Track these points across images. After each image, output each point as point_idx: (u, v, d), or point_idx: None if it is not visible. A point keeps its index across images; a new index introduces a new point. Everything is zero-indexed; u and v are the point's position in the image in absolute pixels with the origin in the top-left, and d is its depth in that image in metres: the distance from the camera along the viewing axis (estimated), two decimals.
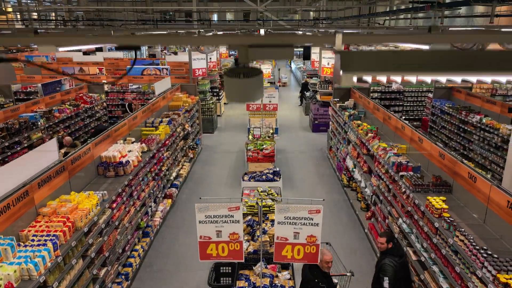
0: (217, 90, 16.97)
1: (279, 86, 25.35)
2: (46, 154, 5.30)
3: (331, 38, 1.35)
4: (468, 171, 5.12)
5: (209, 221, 3.97)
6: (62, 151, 8.67)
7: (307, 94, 17.34)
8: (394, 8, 13.47)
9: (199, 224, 3.97)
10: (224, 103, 19.47)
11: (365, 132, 8.32)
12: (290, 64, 33.99)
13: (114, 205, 5.82)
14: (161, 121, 9.16)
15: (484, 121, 9.02)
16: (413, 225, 5.52)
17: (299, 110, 18.49)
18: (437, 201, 5.04)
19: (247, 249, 5.51)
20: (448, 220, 4.61)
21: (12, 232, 4.38)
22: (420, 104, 14.34)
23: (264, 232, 5.66)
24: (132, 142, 7.76)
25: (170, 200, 8.69)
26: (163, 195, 8.54)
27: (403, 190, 5.94)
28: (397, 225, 6.10)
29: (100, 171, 6.56)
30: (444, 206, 4.92)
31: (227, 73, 1.48)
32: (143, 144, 7.73)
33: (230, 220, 3.98)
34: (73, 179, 5.73)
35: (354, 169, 9.01)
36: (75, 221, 4.77)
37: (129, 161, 6.68)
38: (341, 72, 1.30)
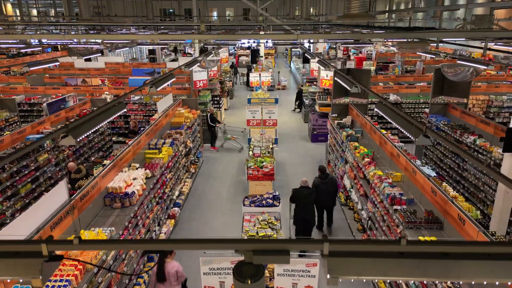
0: (218, 98, 17.17)
1: (279, 89, 25.53)
2: (57, 195, 5.56)
3: (319, 246, 1.60)
4: (457, 213, 5.39)
5: (213, 272, 4.26)
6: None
7: (306, 102, 17.52)
8: (392, 25, 13.63)
9: (204, 275, 4.26)
10: (225, 109, 19.69)
11: (362, 156, 8.59)
12: (290, 64, 34.06)
13: (121, 238, 6.11)
14: (164, 143, 9.41)
15: (477, 142, 9.27)
16: None
17: (298, 117, 18.71)
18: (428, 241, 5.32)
19: None
20: None
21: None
22: (417, 116, 14.59)
23: (264, 267, 5.95)
24: (137, 168, 8.04)
25: (173, 221, 8.98)
26: (166, 216, 8.83)
27: (397, 223, 6.23)
28: None
29: (107, 202, 6.84)
30: None
31: (235, 276, 1.75)
32: (147, 170, 8.01)
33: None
34: (82, 215, 6.01)
35: (351, 189, 9.30)
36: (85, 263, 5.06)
37: (134, 192, 6.96)
38: (328, 276, 1.54)
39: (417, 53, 16.16)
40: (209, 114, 13.82)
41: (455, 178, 10.24)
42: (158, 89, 7.12)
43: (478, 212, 6.16)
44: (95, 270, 5.16)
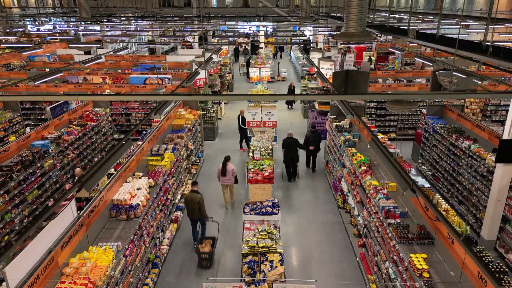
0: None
1: (279, 80, 25.56)
2: (66, 214, 5.81)
3: None
4: (447, 232, 5.66)
5: None
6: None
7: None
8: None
9: None
10: (225, 103, 19.82)
11: (359, 164, 8.82)
12: (290, 53, 33.92)
13: (127, 252, 6.41)
14: (166, 149, 9.62)
15: (472, 148, 9.48)
16: (398, 273, 6.13)
17: (298, 112, 18.85)
18: (419, 260, 5.62)
19: None
20: (427, 283, 5.21)
21: None
22: (415, 114, 14.76)
23: (264, 280, 6.27)
24: (140, 177, 8.28)
25: (175, 225, 9.29)
26: (169, 221, 9.13)
27: (390, 237, 6.52)
28: (385, 267, 6.72)
29: (113, 214, 7.11)
30: (425, 266, 5.50)
31: None
32: (151, 179, 8.26)
33: None
34: (90, 230, 6.28)
35: (348, 194, 9.57)
36: (95, 281, 5.36)
37: (138, 204, 7.22)
38: None
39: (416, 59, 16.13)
40: (240, 116, 13.65)
41: (450, 180, 10.51)
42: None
43: (468, 227, 6.42)
44: (104, 287, 5.47)
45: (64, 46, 25.04)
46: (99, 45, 20.70)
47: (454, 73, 8.11)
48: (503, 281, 5.21)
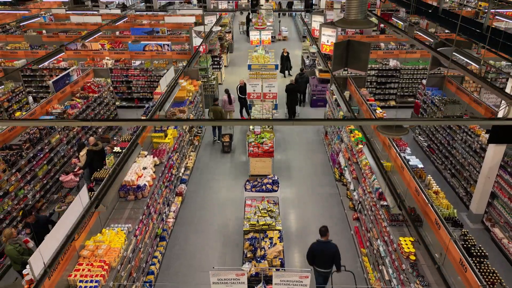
0: (218, 58, 17.14)
1: (280, 40, 25.08)
2: (79, 202, 6.19)
3: None
4: (435, 218, 6.08)
5: (221, 282, 5.06)
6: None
7: (307, 62, 17.47)
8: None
9: (213, 284, 5.07)
10: (225, 66, 19.67)
11: (356, 142, 9.11)
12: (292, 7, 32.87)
13: (137, 231, 6.89)
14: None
15: (467, 124, 9.73)
16: (388, 252, 6.64)
17: None
18: (407, 243, 6.09)
19: (249, 271, 6.70)
20: (413, 266, 5.71)
21: (62, 278, 5.48)
22: (416, 82, 14.80)
23: (264, 257, 6.80)
24: (145, 156, 8.61)
25: (180, 198, 9.75)
26: (174, 195, 9.59)
27: (382, 218, 6.97)
28: (376, 244, 7.24)
29: (121, 194, 7.52)
30: (412, 249, 5.98)
31: None
32: (155, 158, 8.59)
33: (237, 282, 5.06)
34: (102, 213, 6.70)
35: (345, 168, 9.95)
36: (110, 262, 5.87)
37: (145, 184, 7.60)
38: None
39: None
40: (239, 86, 13.62)
41: (444, 153, 10.86)
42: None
43: (455, 210, 6.82)
44: (118, 267, 5.99)
45: (59, 4, 24.35)
46: (95, 11, 20.16)
47: (454, 53, 8.17)
48: (482, 265, 5.70)
